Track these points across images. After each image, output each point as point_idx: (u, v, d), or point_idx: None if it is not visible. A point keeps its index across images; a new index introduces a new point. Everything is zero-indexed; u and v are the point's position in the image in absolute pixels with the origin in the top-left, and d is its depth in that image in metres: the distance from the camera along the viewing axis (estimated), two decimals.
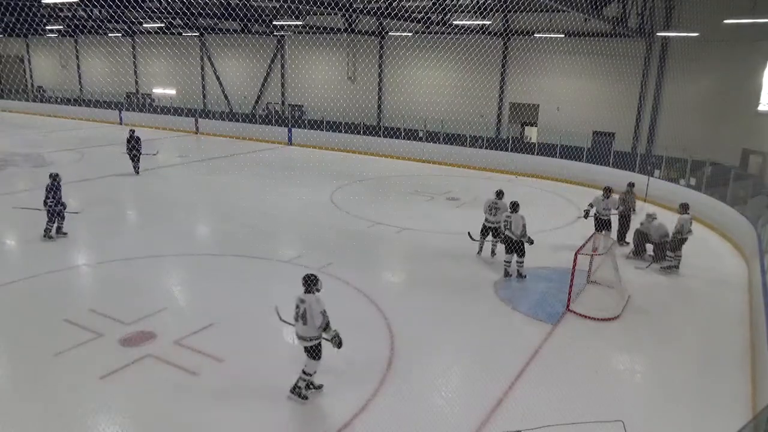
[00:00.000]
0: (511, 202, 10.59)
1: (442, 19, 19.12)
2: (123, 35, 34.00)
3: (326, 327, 6.49)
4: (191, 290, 10.10)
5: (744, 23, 13.17)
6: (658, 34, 19.56)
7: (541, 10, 21.04)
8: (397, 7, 18.77)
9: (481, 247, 11.83)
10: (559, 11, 20.70)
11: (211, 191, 17.67)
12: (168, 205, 15.97)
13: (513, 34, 23.32)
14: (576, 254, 9.39)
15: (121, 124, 33.95)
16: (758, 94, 16.23)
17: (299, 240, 13.16)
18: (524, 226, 10.28)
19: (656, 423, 6.46)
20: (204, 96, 34.04)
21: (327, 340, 6.52)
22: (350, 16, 23.40)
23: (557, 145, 20.58)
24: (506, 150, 22.28)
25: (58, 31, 31.33)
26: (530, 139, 24.44)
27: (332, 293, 9.74)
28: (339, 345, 6.49)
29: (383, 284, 10.63)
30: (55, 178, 12.04)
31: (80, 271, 10.70)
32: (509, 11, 22.00)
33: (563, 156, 20.32)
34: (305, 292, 6.64)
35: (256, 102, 31.87)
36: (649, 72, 20.98)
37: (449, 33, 23.57)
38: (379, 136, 25.07)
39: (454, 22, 19.60)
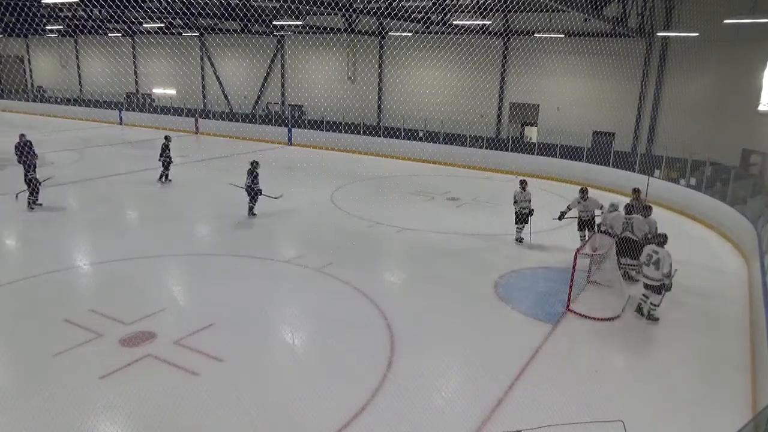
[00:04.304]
0: (645, 206, 10.90)
1: (442, 19, 19.12)
2: (123, 35, 34.00)
3: (669, 275, 8.64)
4: (191, 290, 10.10)
5: (744, 23, 13.14)
6: (658, 34, 19.56)
7: (541, 10, 21.04)
8: (397, 7, 18.77)
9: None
10: (559, 11, 20.70)
11: (211, 191, 17.68)
12: (168, 204, 15.98)
13: (513, 34, 23.32)
14: (576, 254, 9.40)
15: (121, 124, 33.97)
16: (758, 94, 16.19)
17: (299, 240, 13.16)
18: (646, 234, 10.23)
19: (656, 423, 6.46)
20: (204, 96, 34.04)
21: (652, 279, 8.79)
22: (350, 16, 23.41)
23: (557, 145, 20.57)
24: (506, 150, 22.28)
25: (58, 31, 31.32)
26: (530, 139, 24.43)
27: (332, 293, 9.80)
28: (669, 288, 8.71)
29: (383, 284, 10.62)
30: (253, 164, 14.05)
31: (80, 271, 10.68)
32: (509, 11, 22.00)
33: (563, 156, 20.32)
34: (657, 245, 8.78)
35: (256, 102, 31.88)
36: (649, 72, 20.97)
37: (449, 33, 23.57)
38: (379, 136, 25.08)
39: (454, 22, 19.60)
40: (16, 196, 15.05)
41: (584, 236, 11.91)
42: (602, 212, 11.41)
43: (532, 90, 23.45)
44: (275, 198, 14.51)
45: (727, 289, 10.58)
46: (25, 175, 16.43)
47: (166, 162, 17.97)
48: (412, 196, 17.47)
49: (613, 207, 10.92)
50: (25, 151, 16.12)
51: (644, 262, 8.87)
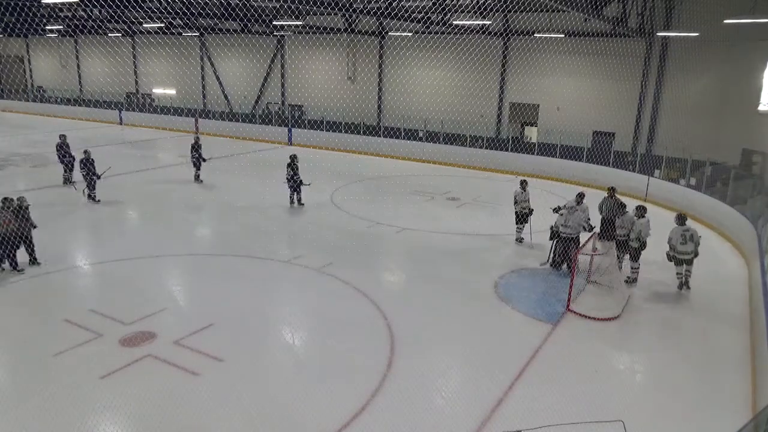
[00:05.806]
0: (622, 203, 11.35)
1: (442, 19, 19.11)
2: (123, 35, 34.00)
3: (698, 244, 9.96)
4: (191, 290, 10.11)
5: (744, 23, 13.13)
6: (658, 34, 19.55)
7: (541, 10, 21.03)
8: (397, 7, 18.76)
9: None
10: (559, 11, 20.69)
11: (211, 191, 17.68)
12: (168, 205, 15.98)
13: (513, 34, 23.30)
14: (576, 254, 9.41)
15: (121, 124, 33.97)
16: (758, 94, 16.15)
17: (299, 240, 13.16)
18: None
19: (656, 423, 6.46)
20: (204, 96, 34.03)
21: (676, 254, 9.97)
22: (350, 16, 23.39)
23: (557, 145, 20.57)
24: (506, 150, 22.28)
25: (58, 31, 31.32)
26: (530, 139, 24.42)
27: (332, 293, 9.81)
28: (697, 254, 9.89)
29: (383, 284, 10.63)
30: (292, 157, 15.09)
31: (80, 271, 10.69)
32: (509, 11, 21.99)
33: (563, 156, 20.31)
34: (680, 224, 10.02)
35: (256, 102, 31.87)
36: (649, 72, 20.97)
37: (449, 33, 23.57)
38: (379, 136, 25.08)
39: (454, 22, 19.59)
40: (80, 190, 15.64)
41: None
42: (564, 212, 11.23)
43: (532, 90, 23.43)
44: (307, 185, 15.44)
45: (726, 289, 10.58)
46: (65, 176, 16.85)
47: (196, 162, 18.08)
48: (412, 196, 17.47)
49: (572, 209, 11.05)
50: (65, 152, 16.44)
51: (681, 242, 9.88)
